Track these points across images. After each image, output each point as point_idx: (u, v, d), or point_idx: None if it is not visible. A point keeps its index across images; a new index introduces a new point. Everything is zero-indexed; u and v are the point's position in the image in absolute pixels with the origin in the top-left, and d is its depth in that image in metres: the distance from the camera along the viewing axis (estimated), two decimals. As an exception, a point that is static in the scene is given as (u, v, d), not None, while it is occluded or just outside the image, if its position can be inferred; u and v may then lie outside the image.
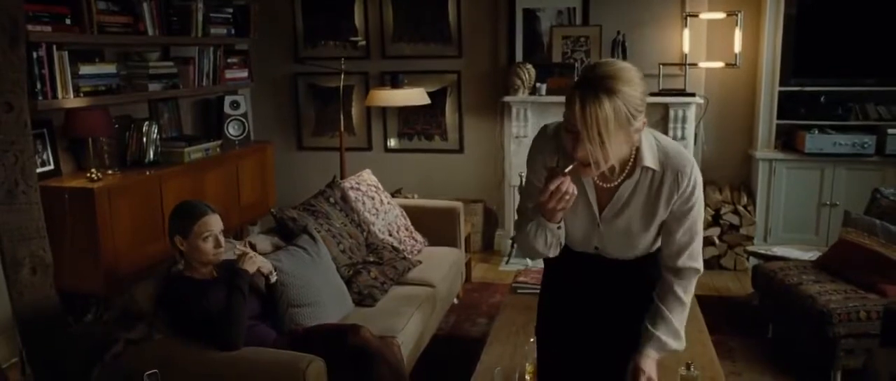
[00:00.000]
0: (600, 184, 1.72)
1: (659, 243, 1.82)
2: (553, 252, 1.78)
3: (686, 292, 1.79)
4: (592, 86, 1.50)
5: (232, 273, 2.26)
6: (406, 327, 2.81)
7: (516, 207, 1.94)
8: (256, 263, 2.31)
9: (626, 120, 1.52)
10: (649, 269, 1.85)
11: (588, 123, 1.49)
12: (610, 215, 1.74)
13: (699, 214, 1.74)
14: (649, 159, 1.66)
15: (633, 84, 1.52)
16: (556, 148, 1.69)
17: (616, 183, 1.70)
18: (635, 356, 1.80)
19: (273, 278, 2.42)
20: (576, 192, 1.62)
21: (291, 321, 2.54)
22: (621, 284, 1.87)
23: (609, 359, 1.89)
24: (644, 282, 1.86)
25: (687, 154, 1.72)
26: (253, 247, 2.65)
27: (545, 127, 1.78)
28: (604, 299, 1.90)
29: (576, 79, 1.60)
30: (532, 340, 2.36)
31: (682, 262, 1.76)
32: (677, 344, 1.80)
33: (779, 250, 3.99)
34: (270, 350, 2.24)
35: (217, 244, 2.29)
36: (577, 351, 1.95)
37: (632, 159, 1.67)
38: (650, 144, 1.68)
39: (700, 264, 1.79)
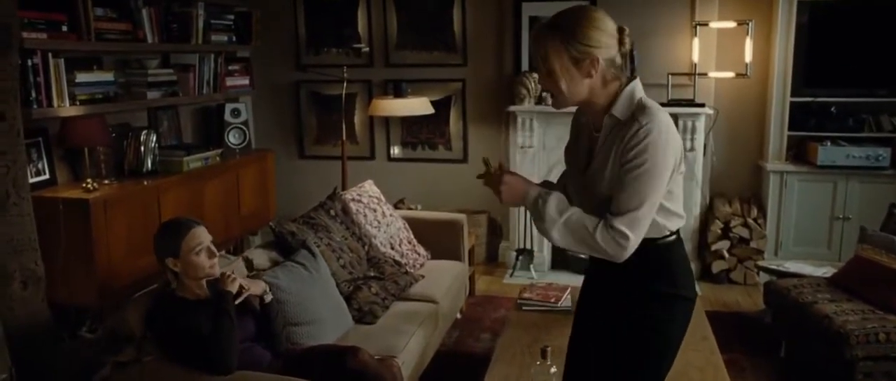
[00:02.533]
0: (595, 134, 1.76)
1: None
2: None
3: (597, 232, 1.62)
4: (544, 24, 1.67)
5: (218, 296, 2.17)
6: (407, 346, 2.72)
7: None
8: (237, 284, 2.21)
9: (569, 54, 1.63)
10: (637, 272, 1.71)
11: (534, 56, 1.68)
12: (592, 164, 1.75)
13: (645, 173, 1.60)
14: (618, 109, 1.68)
15: (581, 23, 1.63)
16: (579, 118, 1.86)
17: (596, 134, 1.74)
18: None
19: (268, 298, 2.33)
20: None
21: (288, 340, 2.45)
22: (610, 285, 1.78)
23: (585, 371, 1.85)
24: (630, 287, 1.74)
25: (659, 114, 1.64)
26: (250, 263, 2.57)
27: None
28: (596, 306, 1.84)
29: None
30: (538, 363, 2.28)
31: (611, 213, 1.62)
32: (547, 210, 1.64)
33: (790, 266, 3.91)
34: (264, 374, 2.16)
35: (211, 255, 2.21)
36: (573, 362, 1.94)
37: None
38: (630, 98, 1.68)
39: (632, 235, 1.61)
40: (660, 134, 1.60)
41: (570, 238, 1.66)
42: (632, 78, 1.73)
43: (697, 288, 4.32)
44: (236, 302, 2.19)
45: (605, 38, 1.64)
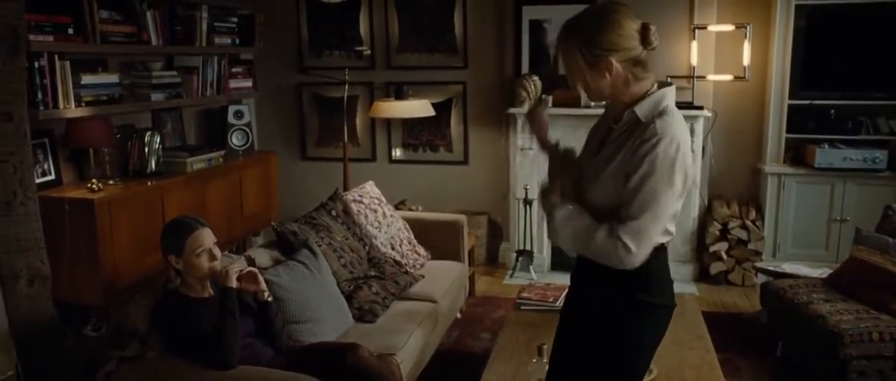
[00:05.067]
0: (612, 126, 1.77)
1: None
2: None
3: (598, 234, 1.64)
4: (568, 21, 1.70)
5: (220, 293, 2.21)
6: (407, 344, 2.76)
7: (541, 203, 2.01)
8: (233, 278, 2.23)
9: (583, 57, 1.66)
10: (619, 273, 1.71)
11: (561, 57, 1.73)
12: (602, 153, 1.77)
13: (652, 182, 1.60)
14: (642, 108, 1.68)
15: (599, 27, 1.64)
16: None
17: (614, 124, 1.76)
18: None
19: (270, 298, 2.36)
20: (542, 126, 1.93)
21: (290, 338, 2.49)
22: (593, 284, 1.81)
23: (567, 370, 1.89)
24: (609, 287, 1.74)
25: (678, 124, 1.65)
26: (252, 262, 2.61)
27: None
28: (578, 306, 1.89)
29: None
30: (535, 360, 2.32)
31: (618, 222, 1.63)
32: (559, 212, 1.72)
33: (787, 267, 3.93)
34: (265, 370, 2.20)
35: (212, 258, 2.25)
36: (556, 359, 1.98)
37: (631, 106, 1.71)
38: (656, 103, 1.68)
39: (633, 245, 1.60)
40: (671, 143, 1.60)
41: (575, 239, 1.71)
42: (668, 83, 1.74)
43: (696, 289, 4.40)
44: (240, 274, 2.23)
45: (623, 40, 1.63)
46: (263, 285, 2.35)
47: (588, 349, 1.83)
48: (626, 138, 1.68)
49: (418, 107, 4.34)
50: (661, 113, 1.66)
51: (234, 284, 2.20)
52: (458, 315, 3.89)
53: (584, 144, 1.90)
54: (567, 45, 1.68)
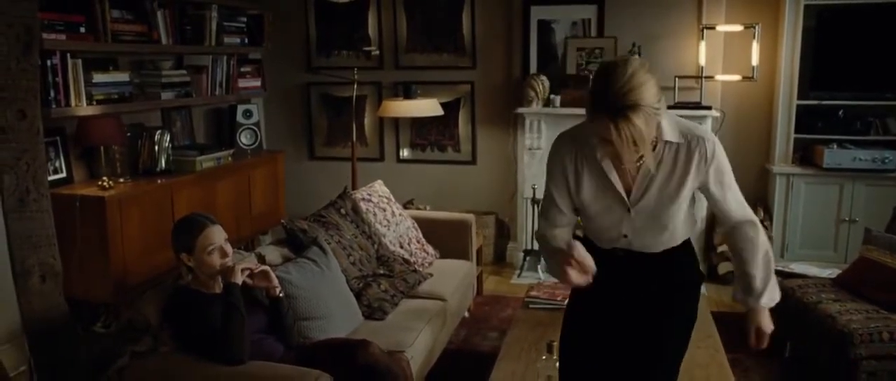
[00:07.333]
0: (622, 166, 1.76)
1: (684, 234, 1.87)
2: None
3: (760, 238, 1.85)
4: (618, 109, 1.56)
5: (226, 289, 2.22)
6: (416, 341, 2.77)
7: (539, 211, 2.10)
8: (239, 275, 2.23)
9: (653, 116, 1.62)
10: (676, 269, 1.88)
11: (626, 141, 1.58)
12: (638, 196, 1.78)
13: (729, 175, 1.83)
14: (669, 134, 1.74)
15: (647, 85, 1.58)
16: (575, 152, 1.82)
17: (639, 163, 1.74)
18: (750, 316, 1.92)
19: (280, 293, 2.38)
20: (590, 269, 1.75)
21: (299, 335, 2.50)
22: (648, 285, 1.89)
23: (632, 366, 1.93)
24: (671, 284, 1.89)
25: (703, 127, 1.86)
26: (262, 259, 2.62)
27: (562, 134, 1.88)
28: (631, 304, 1.92)
29: (592, 90, 1.65)
30: (544, 357, 2.32)
31: (738, 217, 1.86)
32: (775, 290, 1.90)
33: (796, 267, 3.92)
34: (277, 365, 2.21)
35: (223, 255, 2.26)
36: (601, 359, 1.98)
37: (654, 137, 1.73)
38: (670, 121, 1.76)
39: (754, 216, 1.87)
40: (713, 143, 1.78)
41: (769, 267, 1.90)
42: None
43: (704, 289, 4.38)
44: (244, 277, 2.24)
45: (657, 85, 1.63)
46: (276, 282, 2.36)
47: (654, 335, 1.90)
48: (679, 165, 1.77)
49: (427, 106, 4.36)
50: (684, 126, 1.78)
51: (238, 280, 2.22)
52: (466, 314, 3.89)
53: (590, 206, 1.85)
54: (646, 113, 1.56)
